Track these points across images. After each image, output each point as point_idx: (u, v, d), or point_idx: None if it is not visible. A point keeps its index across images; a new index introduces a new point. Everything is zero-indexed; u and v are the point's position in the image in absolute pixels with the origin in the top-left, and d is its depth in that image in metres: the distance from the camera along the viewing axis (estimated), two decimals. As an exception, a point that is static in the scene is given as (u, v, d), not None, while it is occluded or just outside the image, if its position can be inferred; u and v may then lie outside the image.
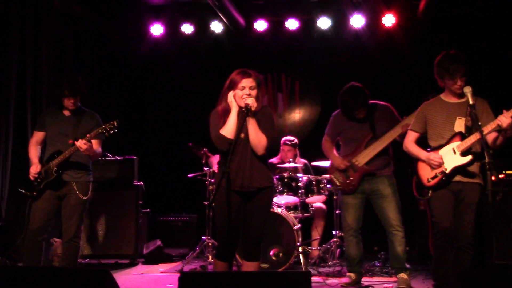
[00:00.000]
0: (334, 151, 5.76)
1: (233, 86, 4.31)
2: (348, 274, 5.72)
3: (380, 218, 5.59)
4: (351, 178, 5.56)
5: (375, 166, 5.50)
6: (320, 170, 7.19)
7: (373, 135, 5.52)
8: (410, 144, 4.94)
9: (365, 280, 5.85)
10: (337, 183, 5.66)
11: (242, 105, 4.23)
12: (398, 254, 5.50)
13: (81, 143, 4.97)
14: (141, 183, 7.21)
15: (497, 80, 7.47)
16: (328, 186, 6.69)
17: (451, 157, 4.64)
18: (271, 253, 6.13)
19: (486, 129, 4.47)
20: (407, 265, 5.56)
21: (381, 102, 5.65)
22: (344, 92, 5.55)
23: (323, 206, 7.20)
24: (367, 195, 5.59)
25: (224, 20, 8.01)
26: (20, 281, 3.64)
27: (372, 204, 5.63)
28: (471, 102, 4.41)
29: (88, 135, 5.05)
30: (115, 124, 4.99)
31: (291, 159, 6.99)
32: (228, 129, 4.22)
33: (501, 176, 5.96)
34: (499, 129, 4.46)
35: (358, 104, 5.46)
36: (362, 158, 5.52)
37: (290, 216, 6.37)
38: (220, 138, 4.26)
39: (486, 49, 7.56)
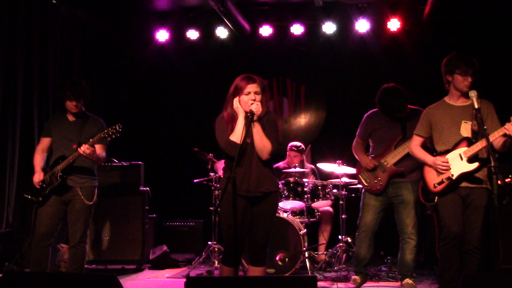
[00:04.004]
0: (364, 152, 5.79)
1: (238, 91, 4.33)
2: (353, 277, 5.72)
3: (396, 223, 5.64)
4: (379, 179, 5.58)
5: (404, 167, 5.52)
6: (324, 174, 7.21)
7: (403, 136, 5.54)
8: (415, 148, 4.93)
9: (371, 285, 5.85)
10: (365, 183, 5.68)
11: (248, 110, 4.25)
12: (407, 262, 5.52)
13: (84, 148, 4.98)
14: (147, 188, 7.22)
15: (503, 85, 7.46)
16: (334, 191, 6.69)
17: (458, 163, 4.63)
18: (277, 258, 6.12)
19: (492, 136, 4.46)
20: (413, 274, 5.59)
21: (414, 106, 5.65)
22: (387, 91, 5.54)
23: (331, 209, 7.20)
24: (390, 199, 5.62)
25: (229, 25, 8.03)
26: (27, 286, 3.65)
27: (392, 208, 5.66)
28: (476, 106, 4.41)
29: (91, 139, 5.07)
30: (118, 128, 4.99)
31: (297, 164, 6.99)
32: (238, 135, 4.22)
33: (507, 180, 5.94)
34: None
35: (401, 103, 5.49)
36: (391, 159, 5.55)
37: (296, 221, 6.37)
38: (230, 144, 4.26)
39: (492, 53, 7.55)
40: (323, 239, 7.13)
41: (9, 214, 6.53)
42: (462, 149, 4.62)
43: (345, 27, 8.11)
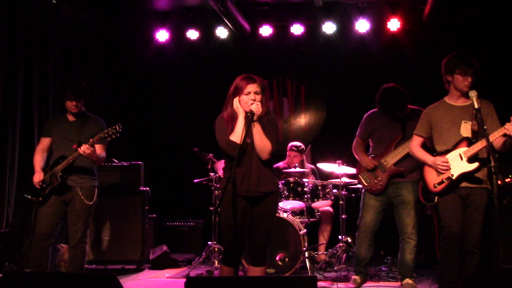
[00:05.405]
0: (364, 152, 5.79)
1: (238, 91, 4.33)
2: (353, 277, 5.72)
3: (396, 223, 5.64)
4: (379, 179, 5.58)
5: (403, 167, 5.52)
6: (324, 174, 7.22)
7: (403, 136, 5.54)
8: (415, 148, 4.93)
9: (371, 285, 5.85)
10: (365, 183, 5.68)
11: (248, 110, 4.25)
12: (407, 262, 5.52)
13: (84, 148, 4.98)
14: (147, 188, 7.22)
15: (503, 85, 7.46)
16: (334, 191, 6.69)
17: (458, 163, 4.63)
18: (277, 258, 6.12)
19: (492, 136, 4.46)
20: (414, 274, 5.60)
21: (415, 106, 5.64)
22: (387, 91, 5.54)
23: (331, 209, 7.20)
24: (390, 199, 5.62)
25: (229, 25, 8.02)
26: (27, 286, 3.65)
27: (392, 208, 5.66)
28: (476, 106, 4.40)
29: (91, 139, 5.07)
30: (118, 128, 4.99)
31: (297, 164, 6.99)
32: (238, 135, 4.23)
33: (507, 180, 5.94)
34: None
35: (401, 103, 5.49)
36: (391, 159, 5.55)
37: (296, 221, 6.37)
38: (230, 144, 4.26)
39: (492, 53, 7.54)
40: (323, 239, 7.13)
41: (9, 214, 6.53)
42: (462, 149, 4.62)
43: (345, 27, 8.11)
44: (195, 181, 7.18)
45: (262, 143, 4.27)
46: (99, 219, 6.94)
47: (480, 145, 4.51)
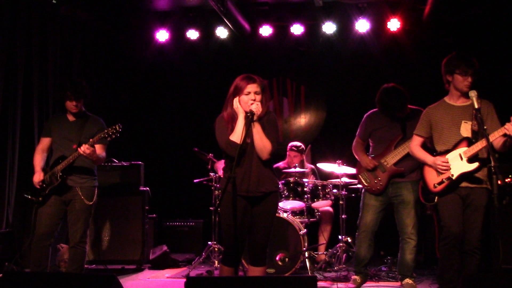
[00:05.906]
0: (364, 152, 5.79)
1: (238, 91, 4.33)
2: (353, 277, 5.72)
3: (396, 223, 5.64)
4: (379, 179, 5.58)
5: (403, 167, 5.52)
6: (324, 174, 7.21)
7: (403, 136, 5.54)
8: (415, 148, 4.93)
9: (371, 285, 5.85)
10: (365, 183, 5.68)
11: (248, 110, 4.25)
12: (407, 262, 5.52)
13: (84, 148, 4.98)
14: (147, 188, 7.22)
15: (503, 85, 7.46)
16: (334, 191, 6.69)
17: (458, 163, 4.62)
18: (277, 258, 6.12)
19: (492, 136, 4.46)
20: (413, 274, 5.60)
21: (415, 106, 5.64)
22: (387, 91, 5.54)
23: (331, 209, 7.20)
24: (390, 199, 5.62)
25: (229, 25, 8.03)
26: (27, 286, 3.65)
27: (392, 208, 5.66)
28: (476, 106, 4.40)
29: (91, 139, 5.07)
30: (118, 128, 4.99)
31: (297, 164, 6.99)
32: (238, 135, 4.23)
33: (507, 180, 5.94)
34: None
35: (401, 103, 5.49)
36: (391, 159, 5.55)
37: (296, 221, 6.37)
38: (230, 144, 4.26)
39: (492, 53, 7.54)
40: (323, 239, 7.13)
41: (9, 214, 6.53)
42: (462, 149, 4.62)
43: (345, 27, 8.11)
44: (195, 181, 7.19)
45: (262, 143, 4.27)
46: (99, 219, 6.94)
47: (480, 145, 4.51)
